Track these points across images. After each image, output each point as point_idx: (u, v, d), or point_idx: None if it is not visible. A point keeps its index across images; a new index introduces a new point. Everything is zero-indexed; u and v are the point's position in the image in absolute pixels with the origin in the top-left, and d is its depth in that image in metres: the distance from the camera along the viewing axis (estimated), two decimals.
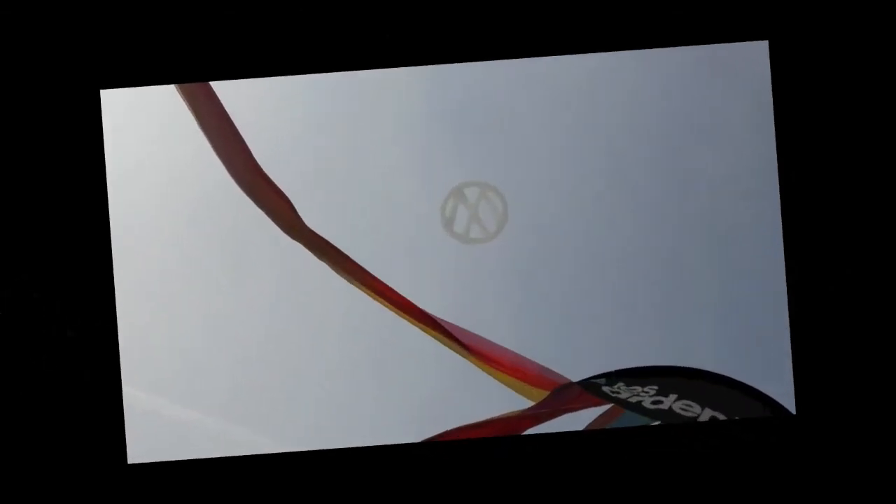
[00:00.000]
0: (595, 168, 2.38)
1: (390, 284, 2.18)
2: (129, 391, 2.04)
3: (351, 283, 2.18)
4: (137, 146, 2.13)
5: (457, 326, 2.20)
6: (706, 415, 2.09)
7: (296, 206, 2.16)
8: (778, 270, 2.22)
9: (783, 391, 2.10)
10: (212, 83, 2.10)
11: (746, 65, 2.18)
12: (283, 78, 2.18)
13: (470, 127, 2.38)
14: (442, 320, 2.19)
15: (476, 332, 2.21)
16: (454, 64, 2.20)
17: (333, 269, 2.17)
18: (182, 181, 2.19)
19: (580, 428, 2.17)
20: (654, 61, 2.19)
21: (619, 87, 2.25)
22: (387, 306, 2.18)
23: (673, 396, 2.10)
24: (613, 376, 2.14)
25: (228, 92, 2.12)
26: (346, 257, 2.16)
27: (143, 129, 2.12)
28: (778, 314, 2.24)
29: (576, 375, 2.18)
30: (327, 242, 2.16)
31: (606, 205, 2.39)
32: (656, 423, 2.18)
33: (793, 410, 2.08)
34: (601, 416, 2.20)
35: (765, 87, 2.13)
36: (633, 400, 2.10)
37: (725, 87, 2.23)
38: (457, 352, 2.20)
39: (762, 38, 2.13)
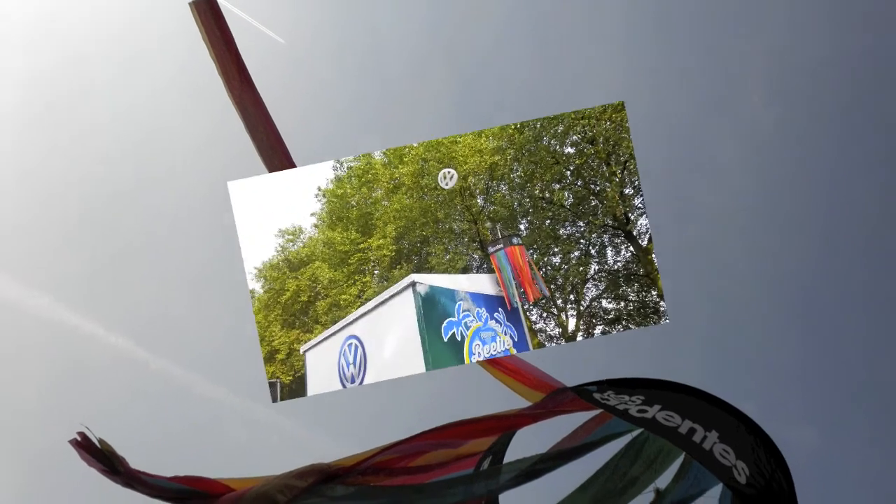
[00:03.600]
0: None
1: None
2: None
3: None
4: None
5: None
6: (686, 426, 2.16)
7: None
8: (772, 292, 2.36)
9: (758, 408, 2.25)
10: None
11: None
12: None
13: None
14: None
15: None
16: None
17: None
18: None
19: (572, 427, 2.32)
20: None
21: None
22: None
23: (657, 407, 2.17)
24: (604, 385, 2.26)
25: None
26: None
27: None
28: (764, 338, 2.41)
29: (570, 382, 2.33)
30: None
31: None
32: (640, 429, 2.32)
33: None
34: (591, 419, 2.36)
35: None
36: (621, 407, 2.17)
37: None
38: None
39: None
